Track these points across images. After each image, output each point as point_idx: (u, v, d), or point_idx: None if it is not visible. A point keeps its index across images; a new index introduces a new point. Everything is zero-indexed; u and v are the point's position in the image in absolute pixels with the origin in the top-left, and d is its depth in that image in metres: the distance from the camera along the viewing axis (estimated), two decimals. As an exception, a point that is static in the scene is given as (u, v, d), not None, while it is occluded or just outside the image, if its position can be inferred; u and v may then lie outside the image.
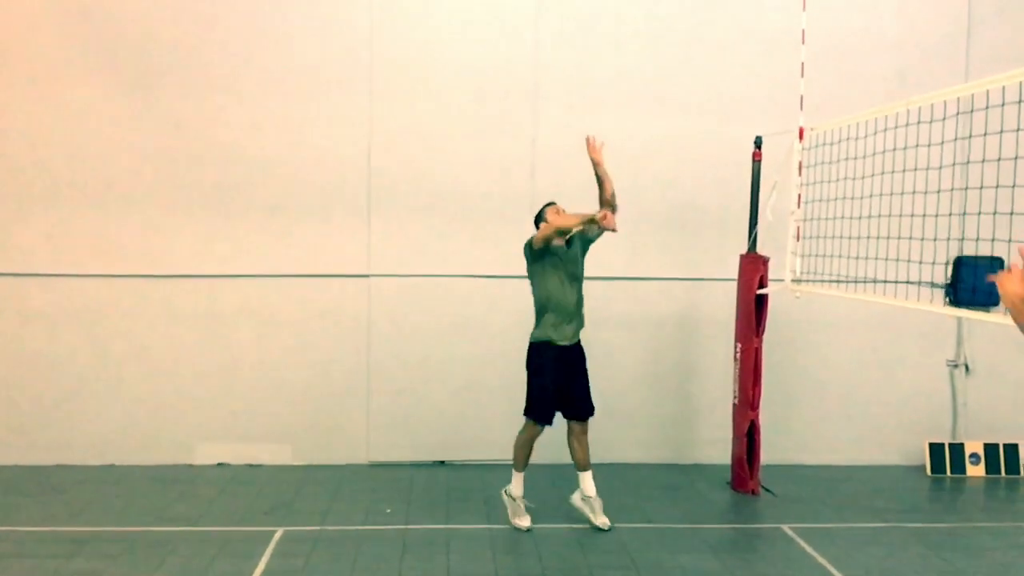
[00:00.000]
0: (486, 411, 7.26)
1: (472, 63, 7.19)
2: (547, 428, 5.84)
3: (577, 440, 5.84)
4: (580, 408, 5.82)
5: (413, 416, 7.31)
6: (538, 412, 5.72)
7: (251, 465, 7.16)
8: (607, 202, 5.65)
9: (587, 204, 5.75)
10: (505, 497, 5.94)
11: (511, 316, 7.26)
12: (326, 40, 7.10)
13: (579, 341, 5.84)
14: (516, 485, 5.89)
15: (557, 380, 5.71)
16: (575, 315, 5.77)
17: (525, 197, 7.02)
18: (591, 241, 5.84)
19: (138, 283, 7.09)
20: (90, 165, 7.00)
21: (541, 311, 5.75)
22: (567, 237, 5.71)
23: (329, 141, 7.14)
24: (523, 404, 5.81)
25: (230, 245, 7.14)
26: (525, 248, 5.77)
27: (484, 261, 7.29)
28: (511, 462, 5.92)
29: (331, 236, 7.20)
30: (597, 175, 5.67)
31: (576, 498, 5.93)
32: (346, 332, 7.26)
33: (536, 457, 5.83)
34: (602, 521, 5.78)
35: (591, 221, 5.47)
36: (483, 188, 7.24)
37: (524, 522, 5.80)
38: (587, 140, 5.68)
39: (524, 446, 5.83)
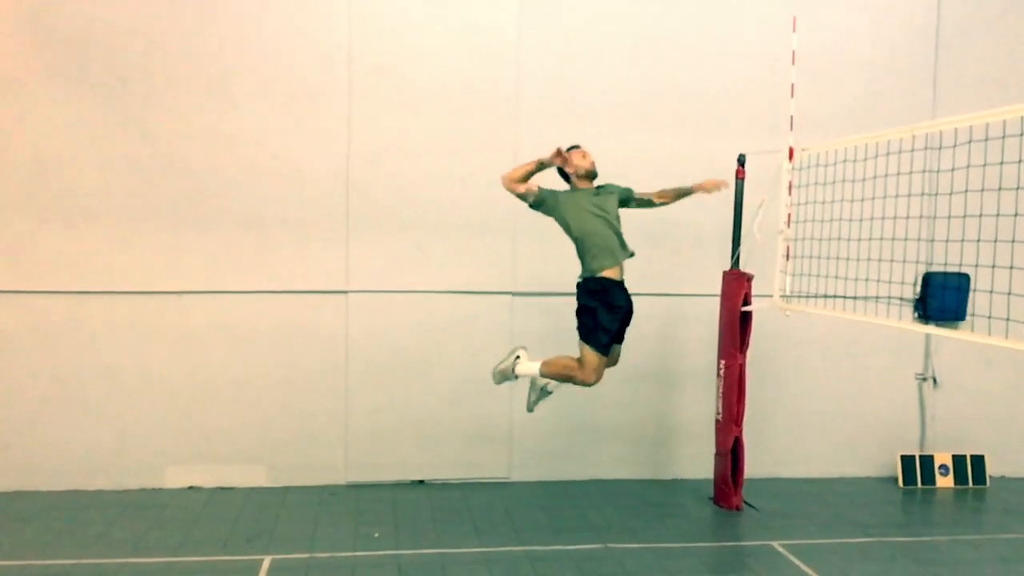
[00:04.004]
0: (467, 429, 7.16)
1: (453, 76, 7.08)
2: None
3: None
4: (622, 335, 5.78)
5: (392, 435, 7.15)
6: (604, 342, 5.51)
7: (224, 488, 6.90)
8: (673, 198, 5.93)
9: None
10: (511, 358, 5.79)
11: (492, 333, 7.20)
12: (304, 50, 6.90)
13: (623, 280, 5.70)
14: (526, 370, 5.73)
15: (622, 315, 5.62)
16: (618, 243, 5.62)
17: (506, 212, 6.93)
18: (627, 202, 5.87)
19: (104, 299, 6.78)
20: (53, 175, 6.66)
21: (584, 251, 5.60)
22: (593, 178, 5.69)
23: (307, 153, 6.95)
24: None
25: (202, 260, 6.88)
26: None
27: (465, 277, 7.20)
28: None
29: (308, 251, 7.00)
30: (689, 192, 5.89)
31: (539, 379, 5.81)
32: (323, 349, 7.06)
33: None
34: (532, 411, 5.98)
35: (540, 164, 5.55)
36: (464, 202, 7.14)
37: (494, 381, 5.83)
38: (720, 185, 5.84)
39: (563, 376, 5.61)
